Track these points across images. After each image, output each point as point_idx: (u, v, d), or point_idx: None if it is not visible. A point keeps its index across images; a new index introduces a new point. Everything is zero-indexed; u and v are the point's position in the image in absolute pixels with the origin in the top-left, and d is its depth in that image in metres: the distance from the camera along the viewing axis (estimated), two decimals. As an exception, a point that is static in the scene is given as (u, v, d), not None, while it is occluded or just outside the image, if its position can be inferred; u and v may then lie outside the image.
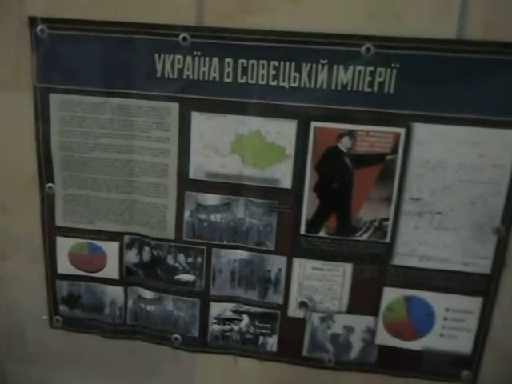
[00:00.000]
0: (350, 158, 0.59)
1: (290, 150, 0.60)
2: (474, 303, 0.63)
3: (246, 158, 0.62)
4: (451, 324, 0.64)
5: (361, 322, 0.66)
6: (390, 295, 0.64)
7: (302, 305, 0.66)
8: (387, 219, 0.61)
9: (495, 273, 0.61)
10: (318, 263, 0.64)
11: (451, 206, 0.60)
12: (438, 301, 0.63)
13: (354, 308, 0.65)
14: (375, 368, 0.67)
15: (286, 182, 0.62)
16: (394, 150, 0.59)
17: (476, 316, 0.63)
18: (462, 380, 0.65)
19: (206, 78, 0.59)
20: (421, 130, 0.58)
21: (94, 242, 0.68)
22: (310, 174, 0.61)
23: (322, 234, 0.63)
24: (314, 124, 0.59)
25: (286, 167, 0.61)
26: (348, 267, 0.64)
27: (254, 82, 0.58)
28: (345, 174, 0.60)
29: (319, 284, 0.65)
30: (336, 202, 0.61)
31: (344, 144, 0.59)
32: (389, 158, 0.59)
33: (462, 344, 0.64)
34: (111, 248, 0.68)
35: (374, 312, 0.65)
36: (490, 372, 0.65)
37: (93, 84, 0.62)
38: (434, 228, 0.61)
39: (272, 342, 0.68)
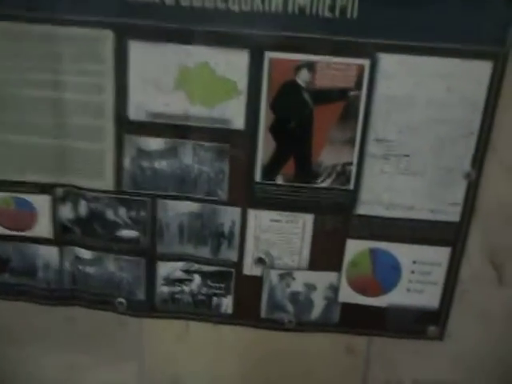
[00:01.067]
0: (309, 93, 0.53)
1: (243, 84, 0.54)
2: (442, 254, 0.59)
3: (192, 94, 0.54)
4: (418, 277, 0.61)
5: (323, 279, 0.61)
6: (354, 248, 0.60)
7: (259, 261, 0.61)
8: (350, 163, 0.56)
9: (464, 220, 0.58)
10: (275, 214, 0.59)
11: (418, 148, 0.55)
12: (405, 253, 0.60)
13: (315, 263, 0.61)
14: (339, 327, 0.64)
15: (239, 122, 0.55)
16: (358, 85, 0.53)
17: (444, 268, 0.60)
18: (429, 336, 0.63)
19: (144, 0, 0.51)
20: (387, 61, 0.52)
21: (21, 195, 0.61)
22: (265, 113, 0.54)
23: (279, 181, 0.57)
24: (268, 54, 0.52)
25: (238, 105, 0.54)
26: (308, 218, 0.59)
27: (199, 4, 0.51)
28: (304, 112, 0.54)
29: (277, 237, 0.60)
30: (294, 145, 0.56)
31: (302, 77, 0.53)
32: (352, 93, 0.53)
33: (429, 298, 0.61)
34: (42, 202, 0.61)
35: (337, 267, 0.61)
36: (458, 326, 0.62)
37: (12, 7, 0.53)
38: (400, 172, 0.56)
39: (227, 304, 0.63)
